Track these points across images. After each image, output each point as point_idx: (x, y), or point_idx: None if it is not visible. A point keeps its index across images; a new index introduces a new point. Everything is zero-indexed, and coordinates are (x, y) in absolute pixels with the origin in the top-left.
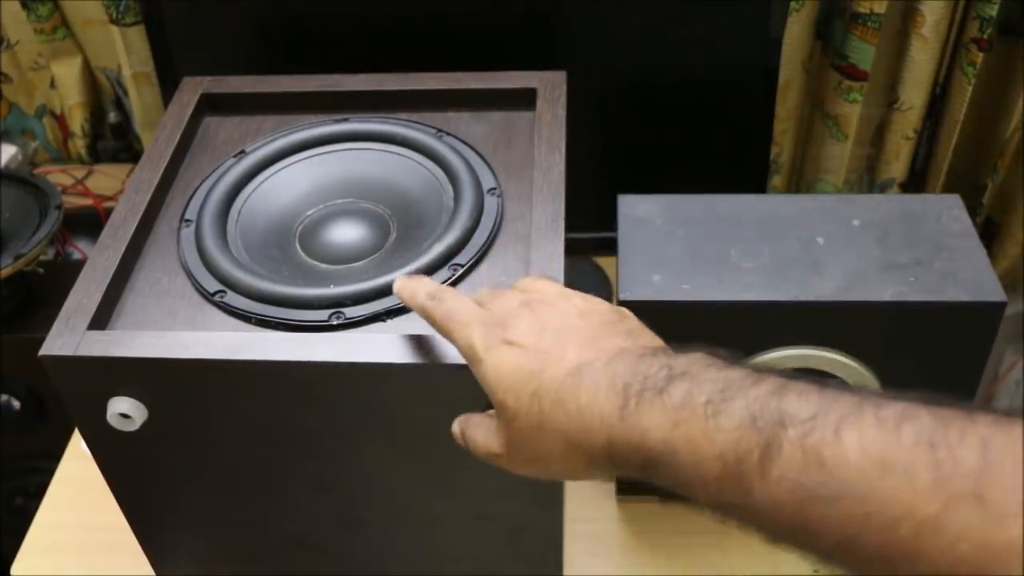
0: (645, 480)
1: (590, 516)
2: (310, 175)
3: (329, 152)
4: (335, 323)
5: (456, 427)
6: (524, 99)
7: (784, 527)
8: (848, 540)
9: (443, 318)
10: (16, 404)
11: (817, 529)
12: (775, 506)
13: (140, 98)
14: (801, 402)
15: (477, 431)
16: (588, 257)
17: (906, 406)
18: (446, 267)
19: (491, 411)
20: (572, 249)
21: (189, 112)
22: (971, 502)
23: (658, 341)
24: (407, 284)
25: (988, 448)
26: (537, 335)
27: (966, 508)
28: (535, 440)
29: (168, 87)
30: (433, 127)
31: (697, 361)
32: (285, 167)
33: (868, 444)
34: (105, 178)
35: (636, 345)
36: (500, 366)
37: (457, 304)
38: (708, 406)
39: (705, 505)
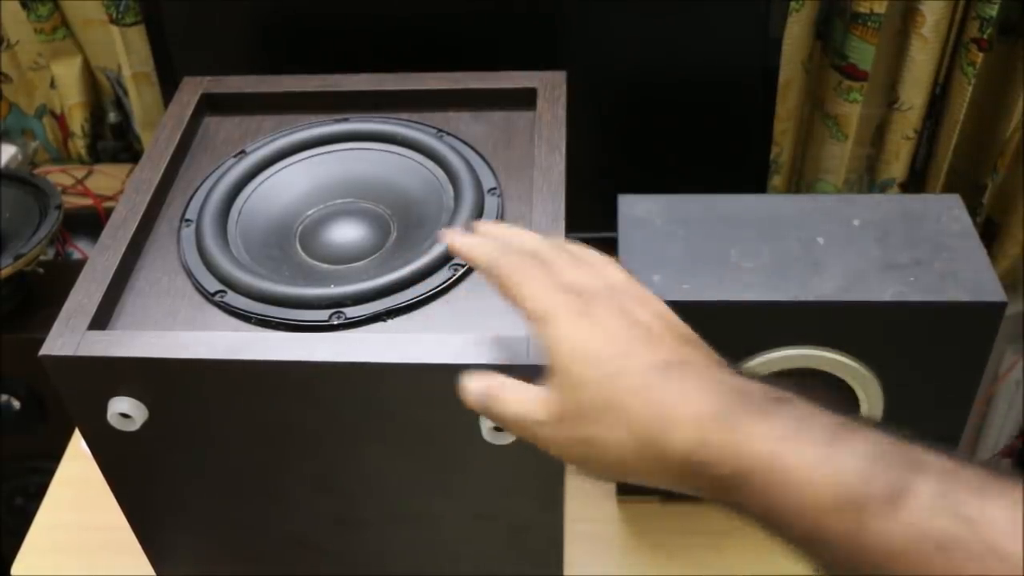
0: (710, 498)
1: (590, 516)
2: (310, 175)
3: (329, 152)
4: (335, 323)
5: (477, 385)
6: (524, 99)
7: (894, 573)
8: None
9: (514, 274)
10: (16, 404)
11: None
12: (891, 549)
13: (140, 98)
14: (934, 454)
15: (513, 392)
16: None
17: None
18: (446, 267)
19: (521, 382)
20: None
21: (189, 112)
22: None
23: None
24: (469, 239)
25: None
26: (621, 323)
27: None
28: (598, 421)
29: (168, 87)
30: (433, 127)
31: (795, 396)
32: (285, 167)
33: (1015, 513)
34: (105, 178)
35: (725, 363)
36: (576, 333)
37: (531, 263)
38: (831, 432)
39: (795, 535)
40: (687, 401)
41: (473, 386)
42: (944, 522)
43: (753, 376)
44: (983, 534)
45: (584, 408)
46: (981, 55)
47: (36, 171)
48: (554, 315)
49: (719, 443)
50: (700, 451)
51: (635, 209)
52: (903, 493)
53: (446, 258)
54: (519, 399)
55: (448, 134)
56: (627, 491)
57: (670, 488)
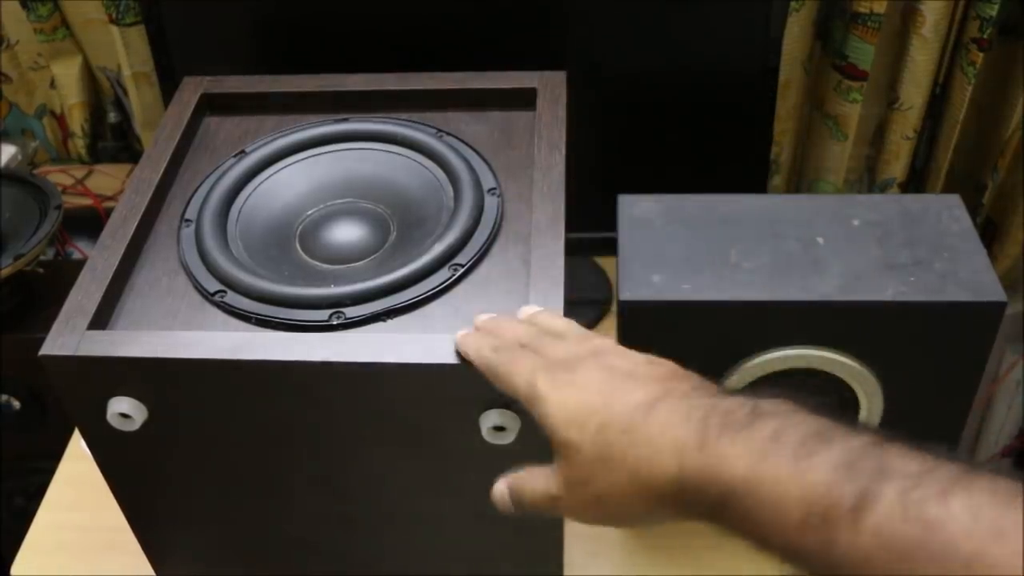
0: (711, 524)
1: None
2: (310, 175)
3: (329, 152)
4: (335, 323)
5: (502, 485)
6: (524, 99)
7: None
8: None
9: (506, 367)
10: (16, 404)
11: None
12: (862, 560)
13: (140, 98)
14: (904, 458)
15: (530, 479)
16: (588, 257)
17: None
18: (446, 267)
19: (535, 467)
20: (572, 249)
21: (189, 112)
22: None
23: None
24: (467, 339)
25: None
26: (604, 377)
27: None
28: (597, 475)
29: (168, 87)
30: (433, 127)
31: (783, 404)
32: (285, 167)
33: (980, 510)
34: (105, 178)
35: (711, 386)
36: (565, 401)
37: (520, 353)
38: (801, 446)
39: (778, 551)
40: (666, 433)
41: (499, 488)
42: (905, 528)
43: (734, 392)
44: (943, 536)
45: (585, 469)
46: (981, 55)
47: (36, 171)
48: (543, 391)
49: (700, 470)
50: (684, 481)
51: (635, 209)
52: (866, 502)
53: (446, 258)
54: (535, 481)
55: (448, 134)
56: None
57: (679, 520)
